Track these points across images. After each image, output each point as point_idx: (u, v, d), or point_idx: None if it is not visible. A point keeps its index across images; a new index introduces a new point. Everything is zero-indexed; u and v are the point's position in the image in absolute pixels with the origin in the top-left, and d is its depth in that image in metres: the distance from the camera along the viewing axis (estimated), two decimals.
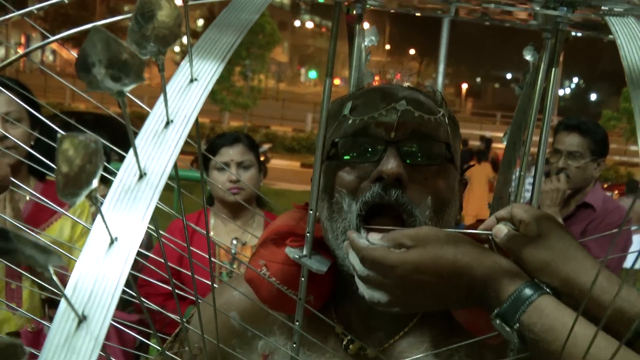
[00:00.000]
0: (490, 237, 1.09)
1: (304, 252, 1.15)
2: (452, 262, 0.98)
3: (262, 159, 3.50)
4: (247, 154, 3.24)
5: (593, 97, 69.07)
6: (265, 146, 18.19)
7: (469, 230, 1.12)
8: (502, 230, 1.06)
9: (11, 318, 2.65)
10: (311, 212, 1.15)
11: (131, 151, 0.54)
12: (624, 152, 28.91)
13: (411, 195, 1.12)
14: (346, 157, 1.17)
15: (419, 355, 1.14)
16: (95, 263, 0.48)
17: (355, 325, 1.24)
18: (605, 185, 16.23)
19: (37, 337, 2.65)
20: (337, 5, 1.08)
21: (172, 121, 0.57)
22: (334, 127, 1.21)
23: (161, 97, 0.60)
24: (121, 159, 0.49)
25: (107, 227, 0.49)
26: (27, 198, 2.75)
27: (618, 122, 22.83)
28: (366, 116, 1.15)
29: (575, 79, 70.98)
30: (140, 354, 3.05)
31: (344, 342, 1.23)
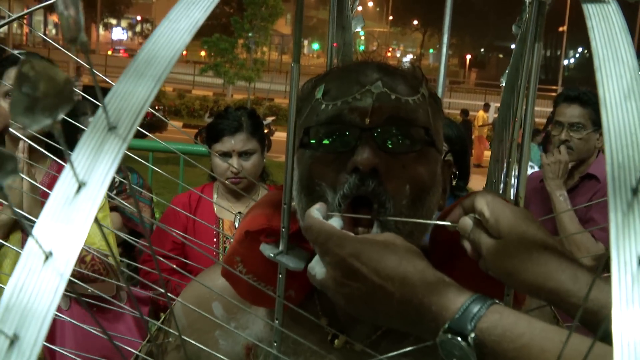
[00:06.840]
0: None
1: (280, 249, 1.08)
2: (395, 264, 0.90)
3: (265, 131, 3.47)
4: (249, 142, 3.17)
5: None
6: (269, 119, 18.13)
7: (435, 222, 1.07)
8: (468, 224, 1.01)
9: None
10: (285, 206, 1.07)
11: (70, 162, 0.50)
12: None
13: (388, 185, 1.03)
14: (320, 147, 1.09)
15: (406, 349, 1.01)
16: (30, 279, 0.45)
17: (340, 315, 1.18)
18: None
19: None
20: None
21: (115, 127, 0.51)
22: (307, 112, 1.12)
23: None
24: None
25: (39, 244, 0.46)
26: (45, 170, 2.78)
27: None
28: (339, 101, 1.07)
29: (580, 49, 70.40)
30: (152, 321, 3.09)
31: (329, 337, 1.17)
